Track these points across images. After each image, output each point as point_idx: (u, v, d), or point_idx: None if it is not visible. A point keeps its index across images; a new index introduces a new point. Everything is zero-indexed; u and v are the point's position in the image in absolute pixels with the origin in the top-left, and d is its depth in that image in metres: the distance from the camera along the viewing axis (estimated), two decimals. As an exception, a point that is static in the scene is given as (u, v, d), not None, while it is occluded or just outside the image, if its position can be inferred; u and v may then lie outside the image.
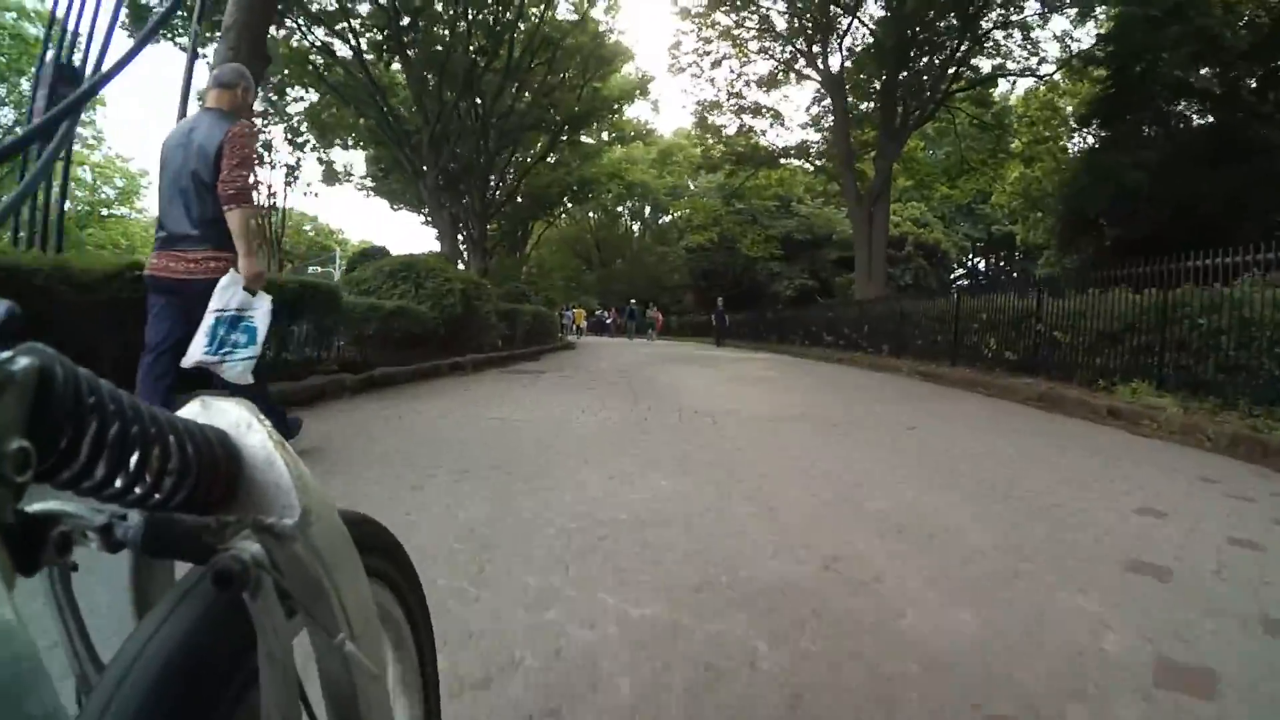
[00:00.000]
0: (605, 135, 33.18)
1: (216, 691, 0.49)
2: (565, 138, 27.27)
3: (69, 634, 0.55)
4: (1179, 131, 20.82)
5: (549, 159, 28.92)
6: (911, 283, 38.37)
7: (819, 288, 35.35)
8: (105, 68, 0.58)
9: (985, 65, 23.67)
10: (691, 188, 44.34)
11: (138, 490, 0.44)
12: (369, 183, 33.27)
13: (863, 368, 13.32)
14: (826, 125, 25.83)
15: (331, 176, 32.30)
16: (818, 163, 25.87)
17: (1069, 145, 30.80)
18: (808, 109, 26.53)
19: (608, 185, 31.82)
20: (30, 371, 0.37)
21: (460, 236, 25.13)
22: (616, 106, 28.65)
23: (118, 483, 0.43)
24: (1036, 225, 34.88)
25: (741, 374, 10.58)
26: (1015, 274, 46.06)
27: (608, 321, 41.12)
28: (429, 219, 30.04)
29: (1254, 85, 19.24)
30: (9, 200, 0.53)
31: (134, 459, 0.43)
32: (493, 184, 26.52)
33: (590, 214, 53.05)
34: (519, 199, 30.25)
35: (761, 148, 26.68)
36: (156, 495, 0.45)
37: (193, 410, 0.55)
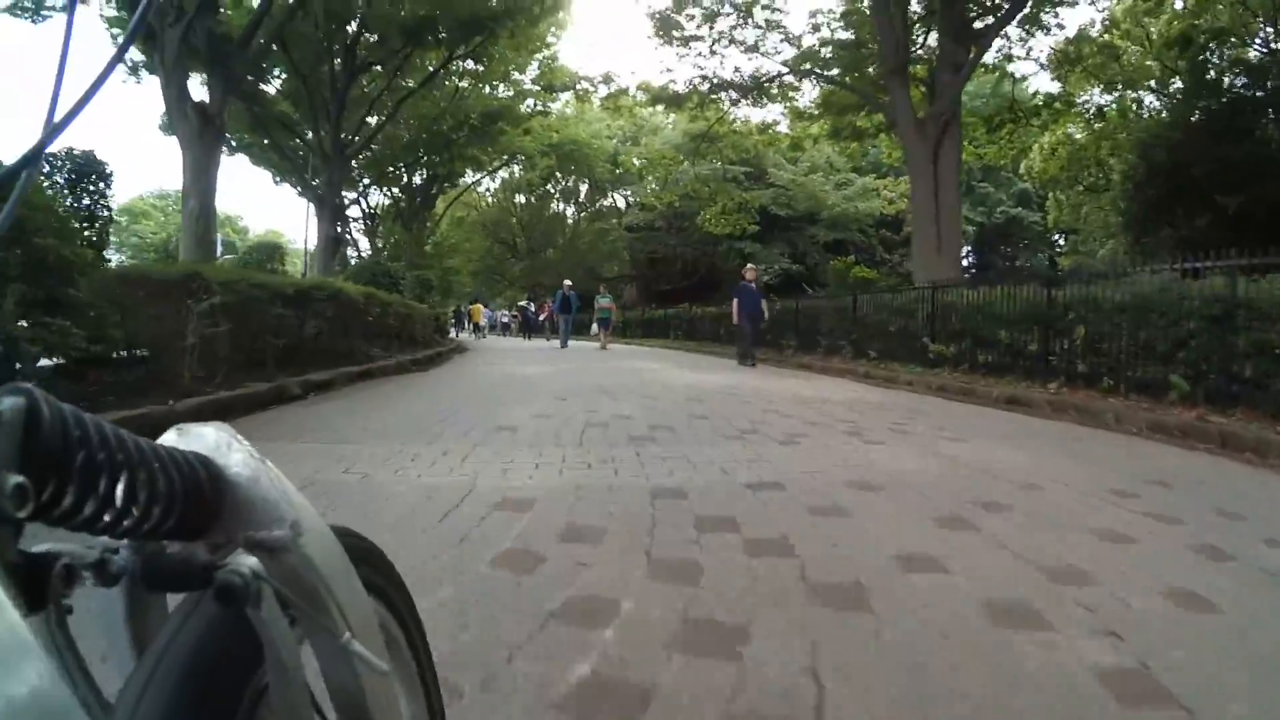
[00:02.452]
0: (528, 78, 24.31)
1: (229, 710, 0.49)
2: (464, 50, 18.09)
3: (70, 675, 0.51)
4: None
5: (443, 80, 19.76)
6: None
7: (805, 274, 27.29)
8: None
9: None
10: (634, 162, 35.80)
11: (127, 522, 0.43)
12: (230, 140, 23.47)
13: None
14: (848, 35, 17.64)
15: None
16: (844, 79, 17.49)
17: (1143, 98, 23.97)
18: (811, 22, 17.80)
19: (526, 124, 22.40)
20: (18, 410, 0.37)
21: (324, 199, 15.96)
22: (537, 13, 19.71)
23: (108, 516, 0.42)
24: (1079, 201, 27.75)
25: None
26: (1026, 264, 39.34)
27: (540, 319, 30.26)
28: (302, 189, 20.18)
29: None
30: None
31: (122, 490, 0.42)
32: (363, 117, 17.41)
33: (517, 195, 44.10)
34: (414, 147, 20.92)
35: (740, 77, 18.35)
36: (146, 525, 0.44)
37: (170, 438, 0.53)
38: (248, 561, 0.48)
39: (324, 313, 7.48)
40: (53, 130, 0.52)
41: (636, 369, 11.07)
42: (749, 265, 15.04)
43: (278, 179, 23.90)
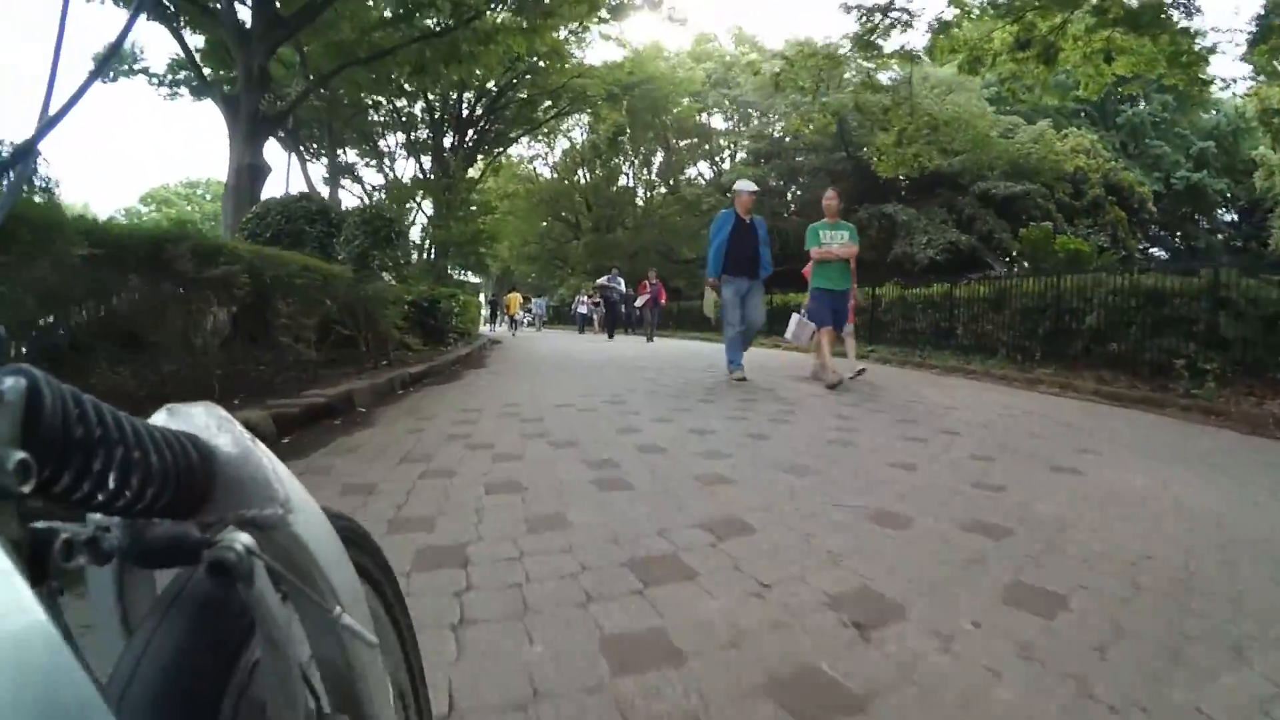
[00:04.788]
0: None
1: (219, 686, 0.50)
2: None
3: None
4: None
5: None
6: (1109, 245, 22.45)
7: (975, 249, 19.43)
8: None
9: None
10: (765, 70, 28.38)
11: (123, 500, 0.44)
12: (182, 77, 17.22)
13: None
14: None
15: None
16: None
17: None
18: None
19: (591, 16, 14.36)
20: (19, 391, 0.38)
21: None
22: None
23: (103, 494, 0.43)
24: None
25: None
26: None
27: (640, 307, 19.28)
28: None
29: None
30: None
31: (118, 468, 0.43)
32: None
33: (580, 170, 37.24)
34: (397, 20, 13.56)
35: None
36: (141, 503, 0.45)
37: (160, 418, 0.54)
38: (240, 538, 0.47)
39: None
40: (47, 124, 0.51)
41: None
42: None
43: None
